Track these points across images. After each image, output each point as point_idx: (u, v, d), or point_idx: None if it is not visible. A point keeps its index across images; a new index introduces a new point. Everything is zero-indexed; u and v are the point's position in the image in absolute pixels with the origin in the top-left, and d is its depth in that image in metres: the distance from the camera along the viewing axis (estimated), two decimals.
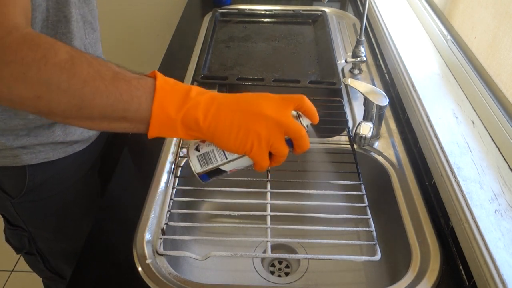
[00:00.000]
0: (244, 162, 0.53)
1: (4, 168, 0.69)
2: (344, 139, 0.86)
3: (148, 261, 0.62)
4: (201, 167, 0.53)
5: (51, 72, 0.43)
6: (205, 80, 1.01)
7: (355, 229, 0.82)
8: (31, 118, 0.65)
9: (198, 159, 0.53)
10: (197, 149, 0.53)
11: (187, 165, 0.81)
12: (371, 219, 0.68)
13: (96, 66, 0.45)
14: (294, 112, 0.52)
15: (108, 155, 0.86)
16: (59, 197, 0.77)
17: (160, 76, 0.49)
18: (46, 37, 0.45)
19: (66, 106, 0.45)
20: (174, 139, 0.84)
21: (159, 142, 0.84)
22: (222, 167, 0.53)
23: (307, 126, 0.53)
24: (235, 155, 0.52)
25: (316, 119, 0.54)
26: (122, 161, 0.82)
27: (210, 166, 0.53)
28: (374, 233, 0.66)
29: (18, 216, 0.77)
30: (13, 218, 0.79)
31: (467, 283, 0.60)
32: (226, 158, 0.52)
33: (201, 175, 0.54)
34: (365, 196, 0.72)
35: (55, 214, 0.79)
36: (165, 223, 0.67)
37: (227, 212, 0.69)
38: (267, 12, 1.33)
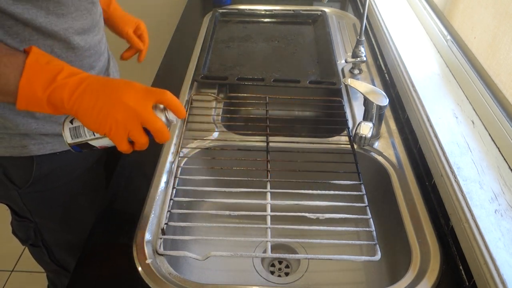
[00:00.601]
0: (109, 141, 0.57)
1: (12, 158, 0.70)
2: (344, 139, 0.86)
3: (148, 261, 0.62)
4: (72, 139, 0.58)
5: None
6: (205, 80, 1.01)
7: (355, 229, 0.82)
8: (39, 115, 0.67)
9: (70, 131, 0.57)
10: (71, 121, 0.57)
11: (187, 165, 0.81)
12: (371, 219, 0.68)
13: None
14: (161, 106, 0.56)
15: (113, 148, 0.87)
16: (65, 188, 0.78)
17: (33, 54, 0.53)
18: None
19: None
20: (174, 139, 0.84)
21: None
22: (90, 142, 0.58)
23: (171, 120, 0.57)
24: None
25: (181, 114, 0.56)
26: (122, 161, 0.82)
27: (79, 139, 0.58)
28: (374, 233, 0.66)
29: (25, 207, 0.78)
30: (20, 209, 0.80)
31: (467, 283, 0.60)
32: (94, 135, 0.57)
33: (72, 146, 0.59)
34: (365, 196, 0.72)
35: (61, 205, 0.80)
36: (165, 223, 0.67)
37: (227, 212, 0.69)
38: (267, 12, 1.33)
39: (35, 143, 0.70)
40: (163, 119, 0.56)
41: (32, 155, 0.71)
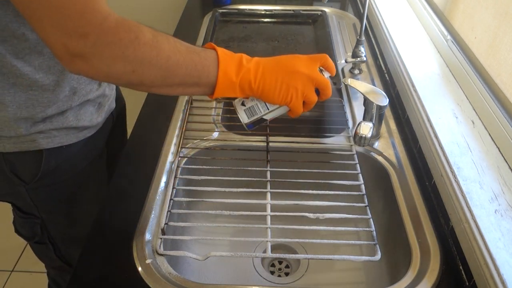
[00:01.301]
0: (282, 110, 0.66)
1: (21, 153, 0.72)
2: (344, 139, 0.86)
3: (148, 261, 0.62)
4: (248, 118, 0.66)
5: (143, 50, 0.53)
6: None
7: (355, 229, 0.82)
8: (51, 103, 0.69)
9: (245, 112, 0.66)
10: (243, 104, 0.66)
11: (187, 165, 0.81)
12: (371, 219, 0.68)
13: (172, 42, 0.56)
14: (319, 69, 0.65)
15: (112, 143, 0.90)
16: (71, 182, 0.81)
17: (218, 48, 0.61)
18: (130, 20, 0.53)
19: (154, 78, 0.56)
20: (174, 140, 0.84)
21: (159, 143, 0.84)
22: (264, 117, 0.66)
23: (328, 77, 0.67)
24: (275, 106, 0.65)
25: (334, 72, 0.67)
26: (122, 161, 0.82)
27: (255, 117, 0.66)
28: (374, 233, 0.66)
29: (32, 202, 0.80)
30: (26, 205, 0.81)
31: (467, 283, 0.60)
32: (268, 109, 0.65)
33: (248, 125, 0.67)
34: (365, 196, 0.72)
35: (67, 198, 0.82)
36: (165, 223, 0.67)
37: (227, 212, 0.69)
38: (267, 12, 1.33)
39: (43, 137, 0.72)
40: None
41: (41, 149, 0.73)
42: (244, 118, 0.66)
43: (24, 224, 0.86)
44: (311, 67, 0.63)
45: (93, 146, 0.82)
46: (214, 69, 0.59)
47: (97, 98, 0.79)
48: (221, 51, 0.61)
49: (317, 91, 0.65)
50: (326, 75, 0.66)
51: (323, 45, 1.15)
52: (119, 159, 0.82)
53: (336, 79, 0.99)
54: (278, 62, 0.63)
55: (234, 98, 0.67)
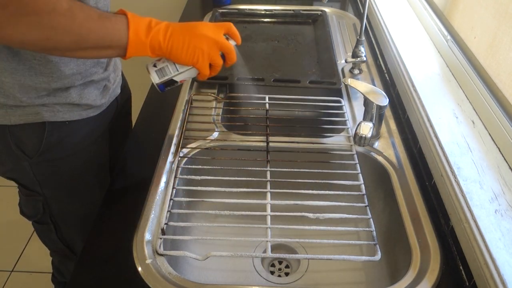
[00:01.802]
0: (191, 73, 0.70)
1: (25, 125, 0.75)
2: (344, 139, 0.86)
3: (148, 261, 0.62)
4: (159, 78, 0.70)
5: (59, 19, 0.57)
6: (205, 80, 1.00)
7: (355, 229, 0.82)
8: (54, 76, 0.72)
9: (156, 73, 0.70)
10: (154, 65, 0.70)
11: (187, 165, 0.81)
12: (371, 219, 0.68)
13: (86, 10, 0.61)
14: (224, 36, 0.71)
15: (115, 131, 0.92)
16: (73, 159, 0.83)
17: (128, 12, 0.65)
18: None
19: (68, 43, 0.60)
20: (174, 139, 0.84)
21: (159, 142, 0.84)
22: (174, 78, 0.70)
23: (234, 46, 0.72)
24: (184, 68, 0.69)
25: (239, 40, 0.73)
26: (122, 161, 0.82)
27: (166, 78, 0.70)
28: (374, 233, 0.66)
29: (35, 178, 0.82)
30: (29, 182, 0.83)
31: (467, 283, 0.60)
32: (178, 71, 0.70)
33: (159, 85, 0.71)
34: (365, 196, 0.72)
35: (68, 175, 0.84)
36: (165, 223, 0.67)
37: (227, 212, 0.69)
38: (267, 12, 1.33)
39: (47, 110, 0.75)
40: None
41: (44, 121, 0.75)
42: (155, 78, 0.70)
43: (27, 203, 0.89)
44: (216, 32, 0.69)
45: (95, 127, 0.84)
46: (125, 32, 0.63)
47: (101, 80, 0.81)
48: (131, 15, 0.65)
49: (223, 57, 0.70)
50: (233, 43, 0.72)
51: (323, 45, 1.15)
52: (120, 154, 0.82)
53: (336, 79, 0.99)
54: (186, 26, 0.68)
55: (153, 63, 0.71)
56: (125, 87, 0.95)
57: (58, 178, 0.84)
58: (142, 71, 1.22)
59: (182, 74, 0.70)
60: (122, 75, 0.95)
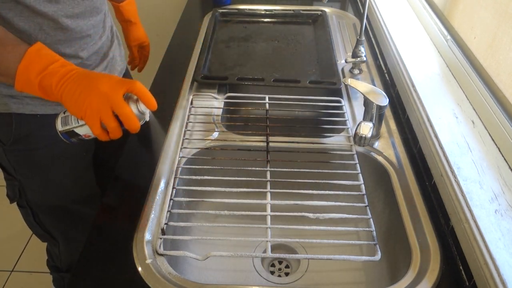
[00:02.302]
0: (89, 129, 0.63)
1: None
2: (344, 139, 0.86)
3: (148, 261, 0.62)
4: (62, 126, 0.65)
5: None
6: (205, 80, 1.01)
7: (355, 229, 0.82)
8: None
9: (61, 119, 0.66)
10: (64, 112, 0.66)
11: (187, 165, 0.81)
12: (371, 219, 0.68)
13: None
14: (134, 97, 0.62)
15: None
16: (45, 151, 0.83)
17: (35, 45, 0.61)
18: None
19: None
20: (174, 139, 0.84)
21: (160, 142, 0.84)
22: (76, 130, 0.65)
23: (143, 111, 0.63)
24: (83, 122, 0.63)
25: (152, 105, 0.63)
26: (122, 161, 0.82)
27: (68, 127, 0.65)
28: (374, 233, 0.66)
29: (9, 163, 0.84)
30: (6, 166, 0.86)
31: (467, 283, 0.60)
32: (78, 123, 0.64)
33: (62, 133, 0.66)
34: (365, 196, 0.72)
35: (41, 166, 0.85)
36: (165, 223, 0.67)
37: (227, 212, 0.69)
38: (267, 12, 1.33)
39: (15, 102, 0.75)
40: (134, 109, 0.62)
41: (11, 113, 0.75)
42: (58, 125, 0.65)
43: (8, 185, 0.91)
44: (112, 88, 0.60)
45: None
46: (15, 64, 0.60)
47: None
48: (34, 48, 0.61)
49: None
50: (142, 107, 0.62)
51: (323, 45, 1.15)
52: (118, 154, 0.82)
53: (336, 79, 0.99)
54: (88, 75, 0.62)
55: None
56: None
57: (31, 167, 0.85)
58: (147, 64, 1.23)
59: (83, 128, 0.64)
60: (128, 74, 0.94)
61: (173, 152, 0.82)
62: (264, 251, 0.63)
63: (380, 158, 0.82)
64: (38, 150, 0.82)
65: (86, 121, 0.61)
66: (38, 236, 1.05)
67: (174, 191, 0.73)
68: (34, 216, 0.95)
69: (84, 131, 0.65)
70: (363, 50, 1.04)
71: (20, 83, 0.61)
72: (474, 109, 0.81)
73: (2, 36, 0.61)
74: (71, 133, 0.66)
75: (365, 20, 0.99)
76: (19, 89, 0.61)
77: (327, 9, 1.36)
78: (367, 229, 0.67)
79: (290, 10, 1.34)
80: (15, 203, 0.94)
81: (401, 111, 0.92)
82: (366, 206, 0.70)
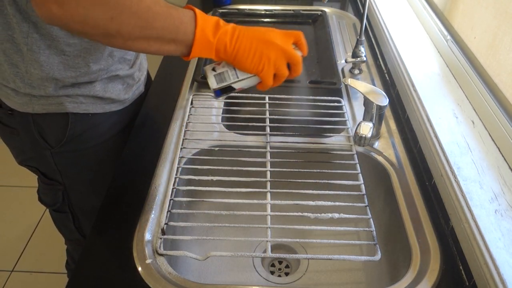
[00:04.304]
0: (252, 81, 0.65)
1: (48, 115, 0.75)
2: (344, 139, 0.86)
3: (148, 261, 0.62)
4: (217, 83, 0.65)
5: None
6: (205, 80, 1.00)
7: (355, 229, 0.82)
8: (82, 71, 0.72)
9: (215, 77, 0.65)
10: (213, 69, 0.65)
11: (187, 165, 0.81)
12: (371, 219, 0.68)
13: None
14: (292, 45, 0.66)
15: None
16: (94, 150, 0.83)
17: (196, 9, 0.60)
18: None
19: (132, 27, 0.54)
20: (174, 139, 0.84)
21: (160, 142, 0.84)
22: (233, 85, 0.65)
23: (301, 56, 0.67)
24: (245, 75, 0.64)
25: (306, 51, 0.68)
26: (122, 161, 0.82)
27: (224, 84, 0.65)
28: (374, 233, 0.66)
29: (56, 167, 0.83)
30: (50, 171, 0.84)
31: (467, 283, 0.60)
32: (237, 78, 0.65)
33: (216, 91, 0.66)
34: (365, 196, 0.72)
35: (89, 167, 0.85)
36: (165, 223, 0.67)
37: (227, 212, 0.69)
38: (267, 12, 1.33)
39: (70, 101, 0.75)
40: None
41: (67, 112, 0.75)
42: (213, 83, 0.65)
43: (47, 191, 0.89)
44: (285, 41, 0.64)
45: (118, 121, 0.85)
46: (192, 26, 0.59)
47: (126, 77, 0.81)
48: (199, 11, 0.61)
49: (289, 67, 0.65)
50: (299, 53, 0.67)
51: (323, 45, 1.15)
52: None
53: (336, 79, 0.99)
54: (255, 30, 0.63)
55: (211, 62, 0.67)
56: (148, 82, 0.96)
57: (79, 169, 0.84)
58: (147, 64, 1.22)
59: (242, 82, 0.65)
60: (148, 74, 0.95)
61: (173, 152, 0.82)
62: (264, 251, 0.63)
63: (380, 158, 0.82)
64: (88, 150, 0.82)
65: (263, 74, 0.63)
66: (70, 241, 1.03)
67: (174, 191, 0.73)
68: (74, 221, 0.93)
69: (242, 84, 0.65)
70: (363, 50, 1.04)
71: (199, 47, 0.60)
72: (474, 109, 0.81)
73: (164, 6, 0.58)
74: (226, 89, 0.66)
75: (365, 20, 0.99)
76: (195, 55, 0.61)
77: (327, 9, 1.36)
78: (367, 229, 0.67)
79: (290, 10, 1.34)
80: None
81: (401, 111, 0.92)
82: (366, 206, 0.70)
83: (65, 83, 0.72)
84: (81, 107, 0.76)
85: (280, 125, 0.87)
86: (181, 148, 0.81)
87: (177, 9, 0.58)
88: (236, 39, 0.61)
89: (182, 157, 0.81)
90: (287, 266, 0.84)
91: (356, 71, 1.06)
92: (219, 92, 0.67)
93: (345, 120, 0.89)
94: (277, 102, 0.93)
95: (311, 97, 0.96)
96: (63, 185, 0.86)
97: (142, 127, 0.89)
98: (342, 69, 1.08)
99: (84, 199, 0.90)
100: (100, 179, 0.87)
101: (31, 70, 0.70)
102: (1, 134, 0.84)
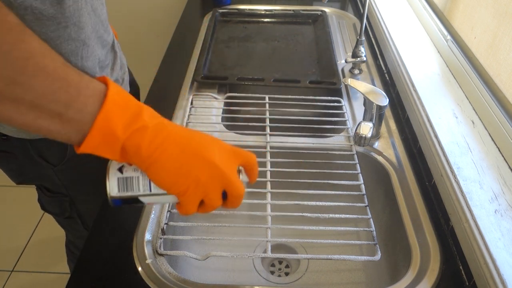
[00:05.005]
0: (167, 199, 0.47)
1: (47, 140, 0.71)
2: (344, 139, 0.86)
3: (148, 261, 0.62)
4: (119, 191, 0.46)
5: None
6: (205, 80, 1.01)
7: (355, 229, 0.82)
8: None
9: (118, 181, 0.46)
10: (120, 170, 0.46)
11: None
12: (371, 219, 0.68)
13: (48, 47, 0.39)
14: (240, 168, 0.50)
15: None
16: (96, 163, 0.81)
17: (112, 84, 0.42)
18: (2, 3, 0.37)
19: None
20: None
21: None
22: (141, 198, 0.47)
23: (244, 183, 0.50)
24: (162, 191, 0.46)
25: (254, 180, 0.51)
26: None
27: (129, 194, 0.46)
28: (374, 233, 0.66)
29: (60, 182, 0.81)
30: (54, 186, 0.83)
31: (467, 283, 0.60)
32: (150, 191, 0.46)
33: (114, 199, 0.46)
34: (365, 196, 0.72)
35: (92, 178, 0.83)
36: (165, 223, 0.67)
37: (227, 212, 0.69)
38: (267, 12, 1.33)
39: None
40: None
41: None
42: (113, 188, 0.46)
43: (52, 202, 0.88)
44: (228, 162, 0.47)
45: None
46: (94, 105, 0.40)
47: None
48: (115, 87, 0.42)
49: (224, 195, 0.48)
50: (244, 179, 0.50)
51: (323, 45, 1.15)
52: None
53: (336, 79, 0.99)
54: (191, 138, 0.46)
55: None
56: (133, 83, 0.93)
57: (83, 182, 0.83)
58: (141, 72, 1.23)
59: (155, 197, 0.46)
60: (129, 69, 0.94)
61: None
62: (264, 251, 0.63)
63: (380, 158, 0.82)
64: (90, 162, 0.77)
65: (185, 199, 0.45)
66: (79, 239, 1.03)
67: None
68: (83, 223, 0.92)
69: (153, 200, 0.47)
70: (363, 50, 1.04)
71: (97, 138, 0.41)
72: (474, 109, 0.81)
73: (61, 63, 0.40)
74: (129, 200, 0.47)
75: (365, 20, 0.99)
76: (87, 149, 0.42)
77: (327, 9, 1.36)
78: (367, 229, 0.67)
79: (290, 10, 1.34)
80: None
81: (401, 111, 0.92)
82: (366, 206, 0.70)
83: None
84: None
85: (280, 125, 0.87)
86: None
87: (82, 75, 0.40)
88: (159, 143, 0.43)
89: None
90: (287, 266, 0.84)
91: (356, 71, 1.06)
92: (118, 202, 0.47)
93: (345, 120, 0.89)
94: (277, 102, 0.93)
95: (311, 97, 0.96)
96: (69, 196, 0.85)
97: None
98: (342, 69, 1.08)
99: (92, 207, 0.89)
100: (104, 188, 0.87)
101: None
102: None
